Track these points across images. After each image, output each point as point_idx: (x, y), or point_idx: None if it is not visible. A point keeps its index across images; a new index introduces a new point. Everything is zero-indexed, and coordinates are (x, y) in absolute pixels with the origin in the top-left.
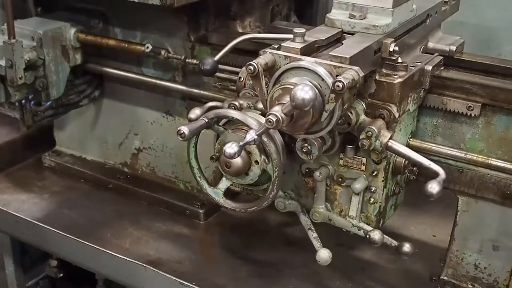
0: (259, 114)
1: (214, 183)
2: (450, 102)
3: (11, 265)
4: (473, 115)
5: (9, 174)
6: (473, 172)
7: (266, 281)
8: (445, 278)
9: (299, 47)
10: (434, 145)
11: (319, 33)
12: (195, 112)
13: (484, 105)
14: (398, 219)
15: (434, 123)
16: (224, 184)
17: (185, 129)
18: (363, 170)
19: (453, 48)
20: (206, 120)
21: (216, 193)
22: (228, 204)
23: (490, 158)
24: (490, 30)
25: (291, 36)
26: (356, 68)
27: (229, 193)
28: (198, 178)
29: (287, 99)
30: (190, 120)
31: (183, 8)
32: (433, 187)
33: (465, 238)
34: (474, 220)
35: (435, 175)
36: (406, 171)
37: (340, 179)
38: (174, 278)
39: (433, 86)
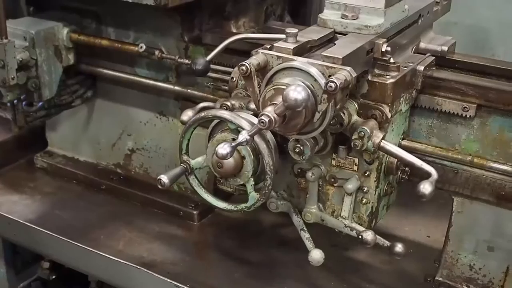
0: (251, 114)
1: (208, 185)
2: (445, 103)
3: (3, 266)
4: (468, 116)
5: (1, 175)
6: (468, 173)
7: (261, 282)
8: (440, 279)
9: (292, 47)
10: (428, 146)
11: (312, 33)
12: (187, 114)
13: (479, 106)
14: (392, 220)
15: (429, 124)
16: (251, 191)
17: (164, 178)
18: (355, 170)
19: (445, 48)
20: (185, 166)
21: (253, 199)
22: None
23: (485, 159)
24: (484, 30)
25: (283, 36)
26: (348, 68)
27: (222, 195)
28: (235, 209)
29: (279, 99)
30: (183, 123)
31: (177, 8)
32: (426, 187)
33: (460, 239)
34: (469, 221)
35: (427, 175)
36: (398, 172)
37: (333, 180)
38: (168, 280)
39: (426, 86)
